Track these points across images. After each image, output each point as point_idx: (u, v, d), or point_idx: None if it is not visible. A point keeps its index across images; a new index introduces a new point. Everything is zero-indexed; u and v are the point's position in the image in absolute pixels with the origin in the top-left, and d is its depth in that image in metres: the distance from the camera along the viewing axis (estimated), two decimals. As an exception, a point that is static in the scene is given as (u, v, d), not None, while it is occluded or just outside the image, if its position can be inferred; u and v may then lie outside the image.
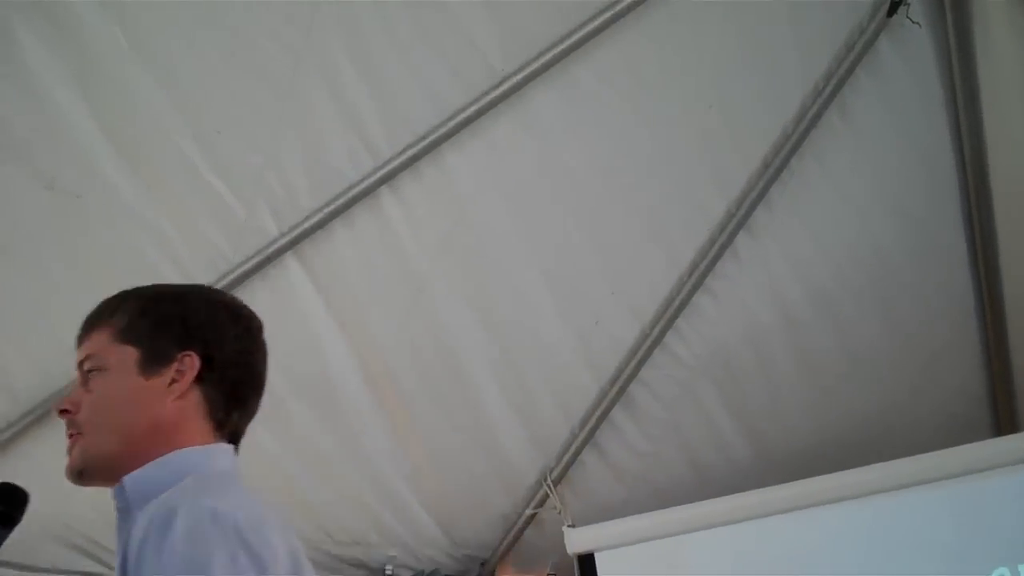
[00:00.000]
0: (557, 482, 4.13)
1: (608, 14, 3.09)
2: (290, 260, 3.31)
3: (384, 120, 3.13)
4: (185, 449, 1.54)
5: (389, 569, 4.21)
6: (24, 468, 3.43)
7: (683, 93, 3.36)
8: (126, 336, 1.59)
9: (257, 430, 3.54)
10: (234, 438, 1.64)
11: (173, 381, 1.56)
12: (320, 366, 3.57)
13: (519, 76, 3.14)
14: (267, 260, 3.25)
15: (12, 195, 2.86)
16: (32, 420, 3.34)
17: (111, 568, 3.81)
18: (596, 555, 3.99)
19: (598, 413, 4.00)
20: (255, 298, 3.29)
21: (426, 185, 3.30)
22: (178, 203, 3.06)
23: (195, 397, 1.58)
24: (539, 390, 3.89)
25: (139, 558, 1.35)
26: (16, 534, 3.57)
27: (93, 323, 1.63)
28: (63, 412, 1.58)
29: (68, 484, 3.45)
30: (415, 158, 3.21)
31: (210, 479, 1.52)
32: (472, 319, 3.64)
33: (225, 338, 1.63)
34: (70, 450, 1.56)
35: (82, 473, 1.56)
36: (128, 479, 1.51)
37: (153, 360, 1.57)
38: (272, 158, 3.08)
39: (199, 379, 1.58)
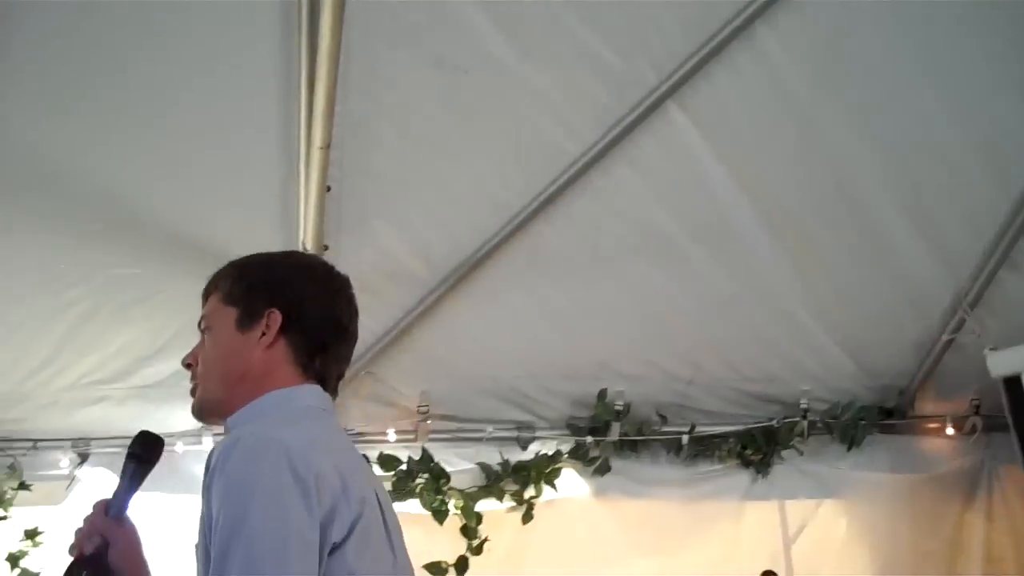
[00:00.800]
0: (973, 304, 4.00)
1: None
2: (672, 107, 3.39)
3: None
4: (271, 392, 1.85)
5: (804, 403, 4.31)
6: (447, 329, 3.90)
7: None
8: (227, 300, 1.93)
9: (654, 274, 3.78)
10: (324, 379, 1.92)
11: (262, 335, 1.87)
12: (714, 209, 3.67)
13: None
14: (649, 110, 3.36)
15: (406, 77, 3.16)
16: (448, 287, 3.77)
17: (539, 416, 4.27)
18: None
19: (1012, 229, 3.79)
20: (642, 151, 3.47)
21: (802, 15, 3.20)
22: (559, 65, 3.22)
23: (281, 347, 1.88)
24: (944, 212, 3.75)
25: (209, 482, 1.65)
26: (452, 392, 4.09)
27: (208, 291, 1.98)
28: (188, 366, 1.96)
29: (491, 341, 3.87)
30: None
31: (286, 414, 1.82)
32: (863, 147, 3.55)
33: (304, 295, 1.92)
34: (193, 396, 1.94)
35: (200, 414, 1.95)
36: (230, 421, 1.86)
37: (246, 318, 1.89)
38: (644, 5, 3.13)
39: (283, 331, 1.88)
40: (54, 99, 3.07)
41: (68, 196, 3.33)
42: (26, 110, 3.08)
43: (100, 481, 4.00)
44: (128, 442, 3.81)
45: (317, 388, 1.91)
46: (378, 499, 1.80)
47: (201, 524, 1.70)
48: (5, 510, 3.92)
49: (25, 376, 3.79)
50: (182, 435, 4.03)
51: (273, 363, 1.88)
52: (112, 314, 3.67)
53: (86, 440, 4.05)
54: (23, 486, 3.93)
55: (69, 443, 4.04)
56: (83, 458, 4.05)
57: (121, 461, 3.90)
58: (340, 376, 2.00)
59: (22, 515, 3.93)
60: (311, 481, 1.62)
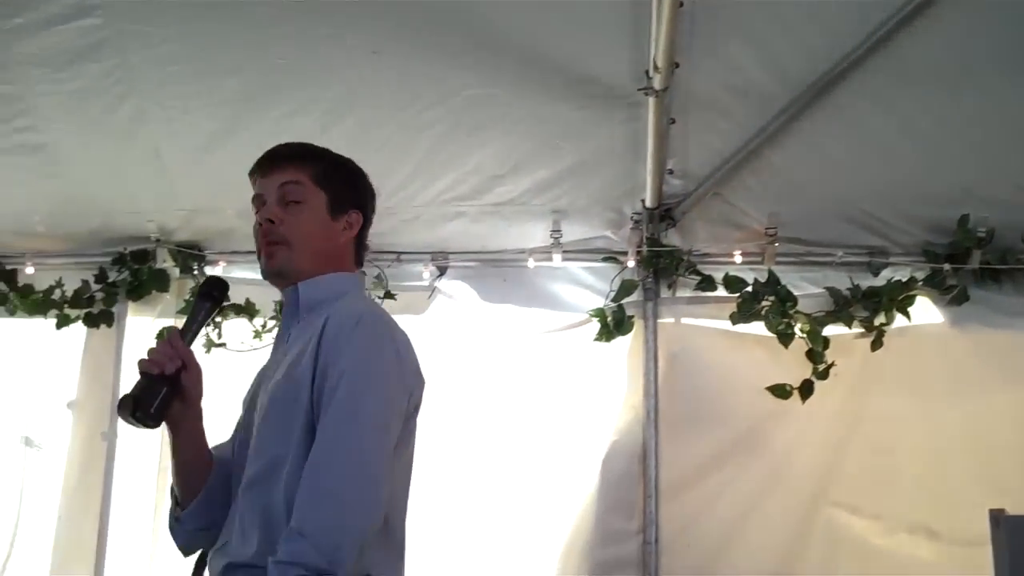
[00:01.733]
0: None
1: None
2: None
3: None
4: (344, 273, 2.26)
5: None
6: (799, 150, 3.77)
7: None
8: (320, 182, 2.23)
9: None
10: None
11: (345, 227, 2.26)
12: None
13: None
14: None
15: None
16: (802, 105, 3.61)
17: (892, 242, 4.09)
18: None
19: None
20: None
21: None
22: None
23: (352, 240, 2.29)
24: None
25: (335, 345, 2.01)
26: (801, 214, 4.00)
27: (291, 158, 2.24)
28: (269, 221, 2.18)
29: (846, 162, 3.72)
30: None
31: (363, 296, 2.35)
32: None
33: (372, 208, 2.37)
34: (273, 254, 2.19)
35: (278, 276, 2.22)
36: (302, 286, 2.21)
37: (337, 208, 2.24)
38: None
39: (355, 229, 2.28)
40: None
41: (427, 19, 3.46)
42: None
43: (458, 292, 4.30)
44: (483, 257, 4.11)
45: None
46: None
47: (302, 370, 2.04)
48: (373, 317, 4.28)
49: (389, 193, 4.05)
50: (533, 251, 4.23)
51: (347, 251, 2.29)
52: (468, 134, 3.83)
53: (444, 254, 4.33)
54: (388, 295, 4.28)
55: (429, 256, 4.33)
56: (442, 271, 4.34)
57: (477, 275, 4.23)
58: None
59: (387, 323, 4.29)
60: (406, 356, 2.13)
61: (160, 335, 4.10)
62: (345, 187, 2.29)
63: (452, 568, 4.11)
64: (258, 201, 2.25)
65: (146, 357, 2.13)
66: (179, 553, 2.36)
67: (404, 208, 4.14)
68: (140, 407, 2.08)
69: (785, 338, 4.00)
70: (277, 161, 2.25)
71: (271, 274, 2.23)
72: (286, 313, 2.27)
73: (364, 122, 3.79)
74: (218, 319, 4.31)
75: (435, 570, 4.02)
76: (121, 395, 2.11)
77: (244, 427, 2.24)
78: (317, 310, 2.16)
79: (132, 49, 3.59)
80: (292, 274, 2.21)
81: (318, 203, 2.22)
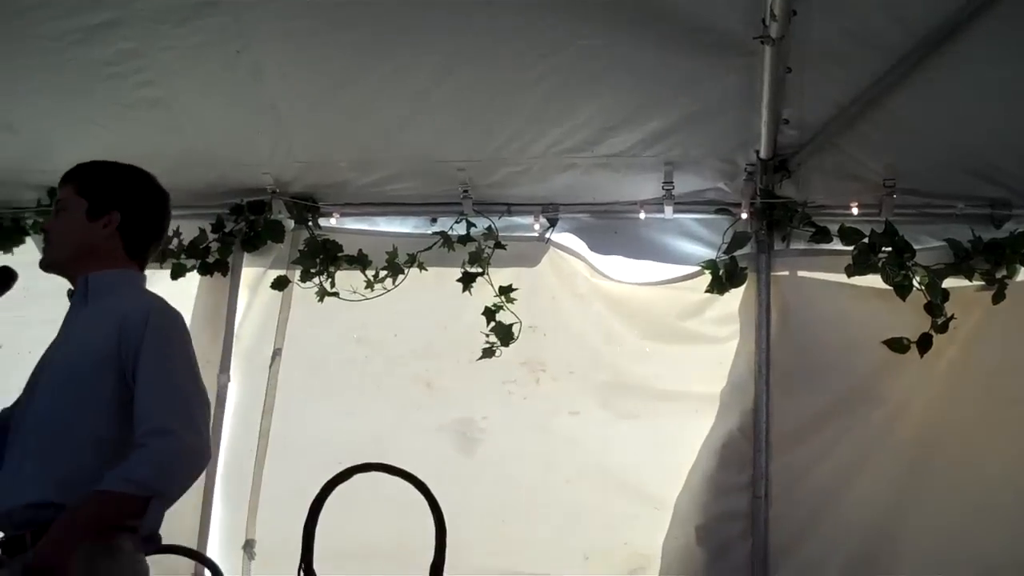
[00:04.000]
0: None
1: None
2: None
3: None
4: (120, 269, 2.73)
5: None
6: (920, 99, 3.72)
7: None
8: (81, 193, 2.74)
9: None
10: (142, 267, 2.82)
11: (105, 225, 2.72)
12: None
13: None
14: None
15: None
16: (924, 53, 3.57)
17: (1016, 193, 4.03)
18: None
19: None
20: None
21: None
22: None
23: (116, 235, 2.73)
24: None
25: (141, 335, 2.52)
26: (921, 165, 3.96)
27: (66, 179, 2.79)
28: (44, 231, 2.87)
29: (969, 112, 3.67)
30: None
31: (145, 288, 2.79)
32: None
33: (142, 205, 2.81)
34: (44, 251, 2.81)
35: (50, 266, 2.77)
36: (93, 280, 2.70)
37: (95, 211, 2.72)
38: None
39: (120, 228, 2.74)
40: None
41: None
42: None
43: (568, 244, 4.39)
44: (594, 209, 4.14)
45: (142, 273, 2.83)
46: None
47: (109, 343, 2.54)
48: (483, 267, 4.40)
49: (501, 145, 4.15)
50: (644, 203, 4.28)
51: (112, 244, 2.74)
52: (579, 85, 3.88)
53: (555, 205, 4.41)
54: (499, 246, 4.38)
55: (539, 208, 4.41)
56: (552, 223, 4.43)
57: (588, 227, 4.26)
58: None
59: (498, 273, 4.41)
60: (189, 341, 2.66)
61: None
62: (104, 193, 2.76)
63: (566, 517, 4.24)
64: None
65: None
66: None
67: (515, 160, 4.23)
68: None
69: (903, 290, 4.00)
70: (61, 182, 2.81)
71: (45, 267, 2.76)
72: (75, 300, 2.76)
73: (476, 74, 3.87)
74: (331, 268, 4.46)
75: (549, 514, 4.17)
76: None
77: (28, 390, 2.69)
78: (103, 299, 2.67)
79: (248, 5, 3.71)
80: (57, 266, 2.77)
81: (77, 210, 2.72)
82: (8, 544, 2.48)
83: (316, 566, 2.46)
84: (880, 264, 4.03)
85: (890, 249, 4.03)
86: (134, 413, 2.46)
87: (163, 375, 2.50)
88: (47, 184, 4.68)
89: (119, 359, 2.52)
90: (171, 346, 2.57)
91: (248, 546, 4.42)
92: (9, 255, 4.83)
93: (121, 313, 2.58)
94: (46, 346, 2.72)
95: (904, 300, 4.01)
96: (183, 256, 4.60)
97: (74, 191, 2.75)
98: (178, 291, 4.55)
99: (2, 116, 4.25)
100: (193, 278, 4.66)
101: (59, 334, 2.75)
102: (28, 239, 4.81)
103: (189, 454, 2.45)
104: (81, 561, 2.26)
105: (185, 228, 4.61)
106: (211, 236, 4.62)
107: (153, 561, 2.54)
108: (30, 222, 4.76)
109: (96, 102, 4.14)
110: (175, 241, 4.57)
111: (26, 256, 4.78)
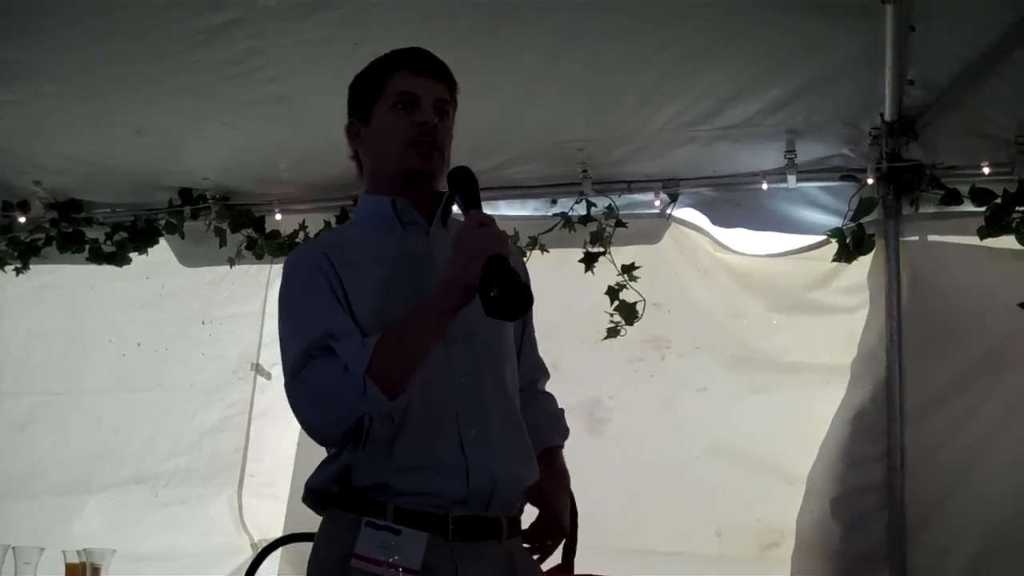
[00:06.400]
0: None
1: None
2: None
3: None
4: None
5: None
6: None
7: None
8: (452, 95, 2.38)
9: None
10: None
11: None
12: None
13: None
14: None
15: None
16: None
17: None
18: None
19: None
20: None
21: None
22: None
23: None
24: None
25: None
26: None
27: (448, 78, 2.39)
28: (433, 126, 2.31)
29: None
30: None
31: None
32: None
33: None
34: (431, 156, 2.33)
35: (432, 176, 2.37)
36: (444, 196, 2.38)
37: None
38: None
39: None
40: None
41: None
42: None
43: (690, 219, 4.40)
44: (715, 182, 4.14)
45: None
46: None
47: None
48: (605, 247, 4.44)
49: (619, 121, 4.18)
50: (766, 174, 4.27)
51: None
52: (697, 57, 3.88)
53: (675, 181, 4.42)
54: (620, 224, 4.42)
55: (660, 184, 4.42)
56: (673, 198, 4.44)
57: (709, 201, 4.27)
58: None
59: (620, 252, 4.44)
60: None
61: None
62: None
63: (696, 494, 4.26)
64: (408, 96, 2.34)
65: (483, 243, 2.11)
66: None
67: (633, 136, 4.25)
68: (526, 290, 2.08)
69: (1039, 250, 3.92)
70: (439, 73, 2.39)
71: (425, 176, 2.36)
72: (423, 213, 2.39)
73: (592, 51, 3.90)
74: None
75: (679, 491, 4.18)
76: (497, 293, 2.04)
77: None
78: (449, 225, 2.38)
79: (364, -2, 3.78)
80: (434, 180, 2.38)
81: (453, 116, 2.41)
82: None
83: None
84: (1015, 224, 3.94)
85: (1024, 208, 3.93)
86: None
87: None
88: (178, 185, 4.88)
89: None
90: None
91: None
92: (144, 255, 5.02)
93: None
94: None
95: (1041, 261, 3.91)
96: (308, 248, 4.71)
97: (449, 92, 2.40)
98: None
99: (134, 120, 4.42)
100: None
101: (408, 260, 2.32)
102: (161, 239, 4.99)
103: None
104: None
105: (311, 221, 4.74)
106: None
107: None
108: (162, 223, 4.95)
109: (221, 102, 4.28)
110: (301, 234, 4.70)
111: (159, 256, 5.00)
